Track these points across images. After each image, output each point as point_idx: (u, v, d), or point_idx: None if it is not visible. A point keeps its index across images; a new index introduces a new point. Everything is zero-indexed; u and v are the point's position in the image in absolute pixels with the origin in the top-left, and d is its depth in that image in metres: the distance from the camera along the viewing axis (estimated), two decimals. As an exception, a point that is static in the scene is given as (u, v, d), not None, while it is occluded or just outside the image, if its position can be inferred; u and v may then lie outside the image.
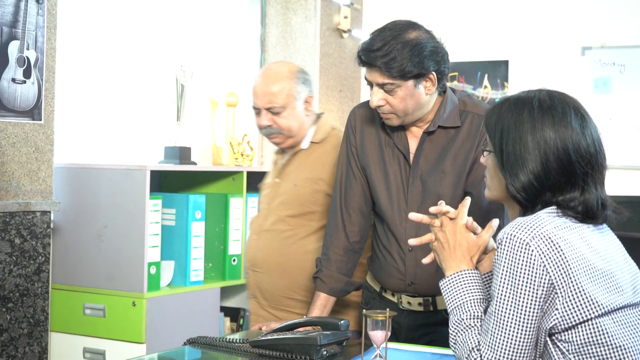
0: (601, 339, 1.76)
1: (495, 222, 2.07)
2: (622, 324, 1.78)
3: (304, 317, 2.68)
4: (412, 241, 2.15)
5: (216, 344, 2.49)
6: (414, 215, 2.16)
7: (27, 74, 3.34)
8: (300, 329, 2.47)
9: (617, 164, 4.88)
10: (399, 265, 2.69)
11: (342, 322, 2.44)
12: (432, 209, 2.08)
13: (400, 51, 2.52)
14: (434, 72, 2.57)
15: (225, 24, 4.87)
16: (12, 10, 3.28)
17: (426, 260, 2.12)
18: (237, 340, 2.50)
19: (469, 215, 2.08)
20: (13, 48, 3.29)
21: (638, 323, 1.81)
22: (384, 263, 2.75)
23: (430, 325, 2.67)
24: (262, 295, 3.10)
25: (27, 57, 3.34)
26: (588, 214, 1.86)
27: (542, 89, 1.96)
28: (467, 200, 2.08)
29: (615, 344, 1.76)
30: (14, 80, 3.30)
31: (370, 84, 2.61)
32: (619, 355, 1.76)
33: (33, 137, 3.39)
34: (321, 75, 4.98)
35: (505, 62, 5.18)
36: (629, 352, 1.76)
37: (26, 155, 3.36)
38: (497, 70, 5.21)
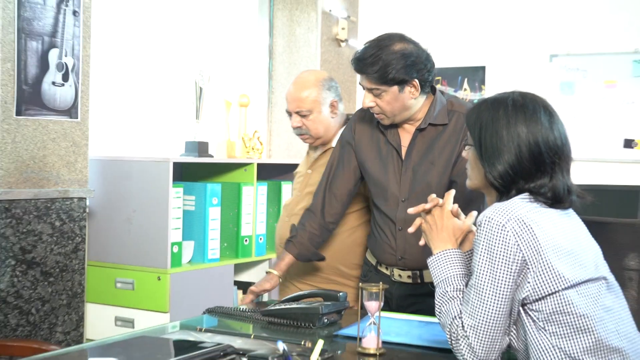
0: (567, 308, 1.77)
1: (475, 212, 2.09)
2: (585, 296, 1.79)
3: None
4: (411, 229, 2.15)
5: (231, 312, 2.52)
6: (412, 210, 2.14)
7: (65, 77, 3.34)
8: (305, 300, 2.48)
9: (580, 157, 4.88)
10: (391, 242, 2.71)
11: (340, 294, 2.47)
12: (429, 205, 2.08)
13: (385, 61, 2.53)
14: (416, 80, 2.58)
15: (238, 35, 4.86)
16: (52, 22, 3.28)
17: (422, 242, 2.13)
18: (250, 310, 2.51)
19: (454, 201, 2.11)
20: (53, 55, 3.29)
21: (598, 295, 1.82)
22: (379, 240, 2.77)
23: (417, 296, 2.69)
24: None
25: (65, 63, 3.34)
26: (556, 199, 1.88)
27: (515, 90, 1.99)
28: (453, 191, 2.11)
29: (579, 313, 1.77)
30: (53, 83, 3.30)
31: (363, 88, 2.64)
32: (582, 322, 1.77)
33: (71, 133, 3.39)
34: (322, 79, 4.98)
35: (483, 68, 5.18)
36: (591, 320, 1.77)
37: (65, 149, 3.37)
38: (476, 74, 5.21)
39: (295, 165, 4.49)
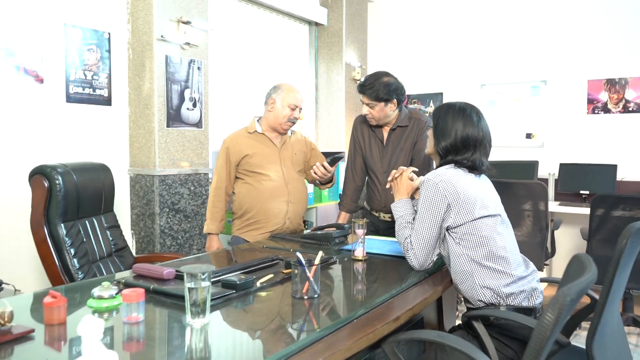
0: (473, 231, 1.72)
1: (422, 177, 2.03)
2: (486, 225, 1.73)
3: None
4: (387, 186, 2.10)
5: (285, 237, 2.48)
6: (389, 178, 2.08)
7: (194, 105, 3.36)
8: (325, 229, 2.46)
9: (500, 144, 4.74)
10: (378, 196, 2.66)
11: (346, 226, 2.43)
12: (397, 174, 2.04)
13: (377, 88, 2.49)
14: (395, 99, 2.52)
15: (297, 77, 4.83)
16: (186, 73, 3.30)
17: (391, 191, 2.08)
18: (296, 235, 2.48)
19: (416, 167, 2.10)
20: (187, 93, 3.32)
21: (495, 224, 1.74)
22: (372, 196, 2.72)
23: (394, 228, 2.62)
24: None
25: (194, 97, 3.36)
26: (473, 168, 1.81)
27: (463, 101, 1.90)
28: (411, 167, 2.05)
29: (480, 234, 1.71)
30: (188, 108, 3.33)
31: (362, 103, 2.57)
32: (481, 240, 1.71)
33: (198, 136, 3.42)
34: (346, 102, 4.91)
35: (441, 93, 5.06)
36: (487, 239, 1.72)
37: (195, 146, 3.40)
38: (437, 97, 5.08)
39: (332, 153, 4.47)
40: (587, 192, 4.21)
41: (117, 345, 1.19)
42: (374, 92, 2.48)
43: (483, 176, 1.89)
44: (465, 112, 1.83)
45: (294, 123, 2.63)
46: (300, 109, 2.62)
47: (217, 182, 2.61)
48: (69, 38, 2.95)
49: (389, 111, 2.55)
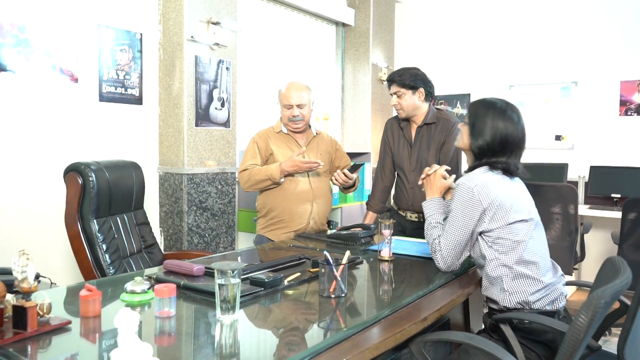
0: (506, 236, 1.70)
1: (454, 176, 2.02)
2: (519, 230, 1.71)
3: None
4: (420, 182, 2.07)
5: (311, 236, 2.49)
6: (422, 176, 2.06)
7: (222, 105, 3.40)
8: (352, 229, 2.45)
9: (530, 146, 4.67)
10: (405, 195, 2.65)
11: (372, 226, 2.43)
12: (431, 172, 2.01)
13: (406, 75, 2.53)
14: (422, 88, 2.53)
15: (323, 78, 4.84)
16: (214, 74, 3.34)
17: (423, 188, 2.07)
18: (323, 235, 2.49)
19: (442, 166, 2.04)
20: (215, 92, 3.36)
21: (527, 229, 1.72)
22: (399, 195, 2.71)
23: (421, 228, 2.59)
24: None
25: (223, 97, 3.40)
26: (507, 171, 1.78)
27: (503, 99, 1.84)
28: (444, 167, 2.01)
29: (512, 239, 1.69)
30: (216, 108, 3.37)
31: (392, 94, 2.59)
32: (513, 245, 1.69)
33: (226, 136, 3.45)
34: (372, 103, 4.90)
35: (469, 94, 5.01)
36: (519, 244, 1.70)
37: (222, 145, 3.43)
38: (464, 98, 5.04)
39: (358, 154, 4.46)
40: (619, 196, 4.11)
41: (149, 339, 1.22)
42: (402, 79, 2.53)
43: (516, 179, 1.85)
44: (506, 112, 1.77)
45: (299, 121, 2.59)
46: (299, 105, 2.57)
47: (246, 164, 2.58)
48: (102, 38, 3.02)
49: (417, 101, 2.55)
